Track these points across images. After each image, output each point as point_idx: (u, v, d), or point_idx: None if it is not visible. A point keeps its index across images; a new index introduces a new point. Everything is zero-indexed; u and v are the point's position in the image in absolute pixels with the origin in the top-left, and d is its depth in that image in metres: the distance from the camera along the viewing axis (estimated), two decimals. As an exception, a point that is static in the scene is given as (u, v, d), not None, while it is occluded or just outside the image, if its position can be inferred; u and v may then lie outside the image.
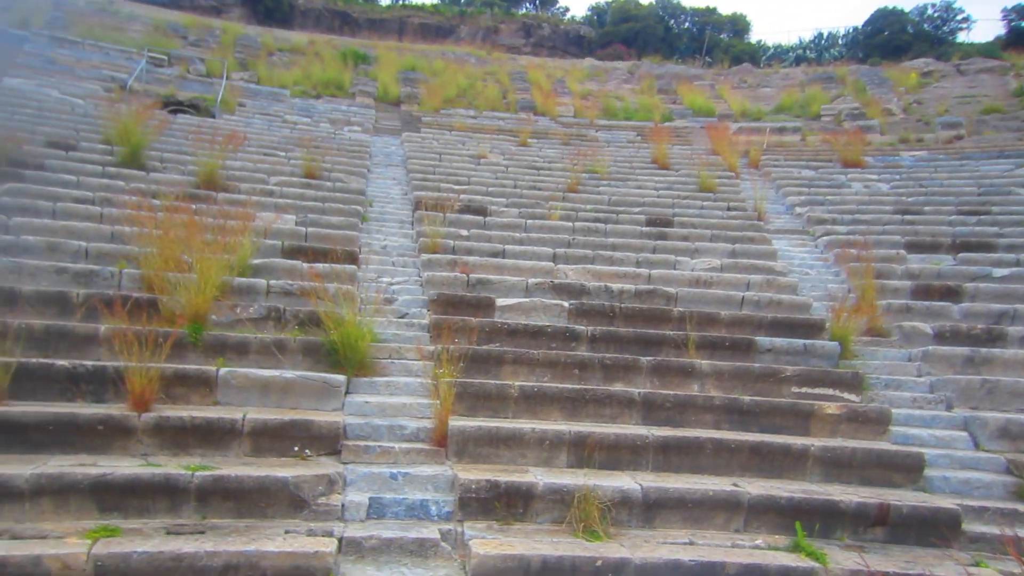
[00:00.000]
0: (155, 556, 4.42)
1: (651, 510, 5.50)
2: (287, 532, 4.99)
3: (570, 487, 5.38)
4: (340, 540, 4.95)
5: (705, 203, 13.37)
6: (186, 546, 4.53)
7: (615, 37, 38.16)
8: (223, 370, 6.27)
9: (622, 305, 8.60)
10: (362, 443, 5.95)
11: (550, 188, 13.32)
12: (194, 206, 8.88)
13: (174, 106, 15.43)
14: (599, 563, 4.75)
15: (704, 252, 10.90)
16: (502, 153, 15.89)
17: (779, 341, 8.06)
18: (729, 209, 13.19)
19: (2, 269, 7.18)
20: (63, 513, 4.86)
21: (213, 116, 15.62)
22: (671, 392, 6.97)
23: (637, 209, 12.53)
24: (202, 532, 4.87)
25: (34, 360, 5.89)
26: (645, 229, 11.68)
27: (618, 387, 7.04)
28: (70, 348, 6.34)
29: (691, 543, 5.29)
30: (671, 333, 7.98)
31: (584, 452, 5.95)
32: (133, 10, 23.50)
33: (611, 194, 13.34)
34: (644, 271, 9.85)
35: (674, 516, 5.54)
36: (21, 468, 4.89)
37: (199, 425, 5.60)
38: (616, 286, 9.16)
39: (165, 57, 18.81)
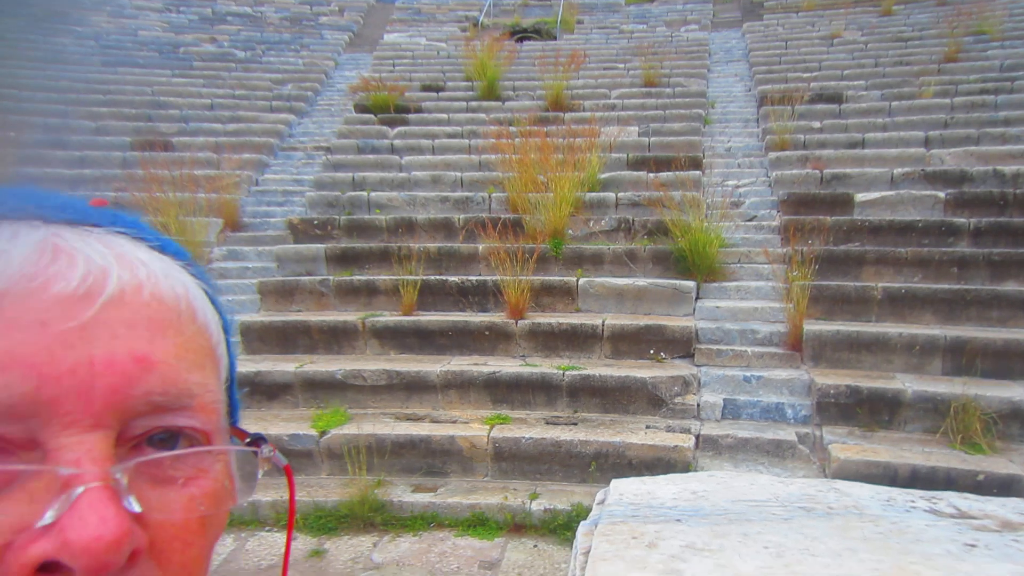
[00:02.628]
0: (539, 441, 5.16)
1: (1053, 425, 4.81)
2: (647, 427, 5.41)
3: (945, 395, 4.93)
4: (697, 437, 5.23)
5: None
6: (563, 435, 5.20)
7: None
8: (582, 280, 6.85)
9: (1017, 191, 7.31)
10: (714, 347, 6.10)
11: (921, 61, 11.55)
12: (545, 128, 9.59)
13: (519, 34, 16.50)
14: (981, 477, 4.34)
15: None
16: (859, 28, 14.12)
17: None
18: None
19: (402, 202, 8.63)
20: (465, 403, 5.89)
21: (555, 38, 16.37)
22: (1084, 290, 5.86)
23: (1039, 70, 10.30)
24: (575, 424, 5.52)
25: (432, 277, 7.07)
26: (1051, 93, 9.60)
27: (1010, 286, 6.12)
28: (458, 266, 7.45)
29: (1109, 465, 4.54)
30: (1086, 219, 6.62)
31: (963, 359, 5.36)
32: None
33: (1004, 57, 11.12)
34: (1048, 146, 8.19)
35: (1085, 433, 4.77)
36: (433, 366, 6.01)
37: (565, 330, 6.26)
38: (1008, 169, 7.77)
39: (509, -13, 20.03)
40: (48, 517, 0.37)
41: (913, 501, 1.90)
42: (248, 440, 0.48)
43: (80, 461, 0.39)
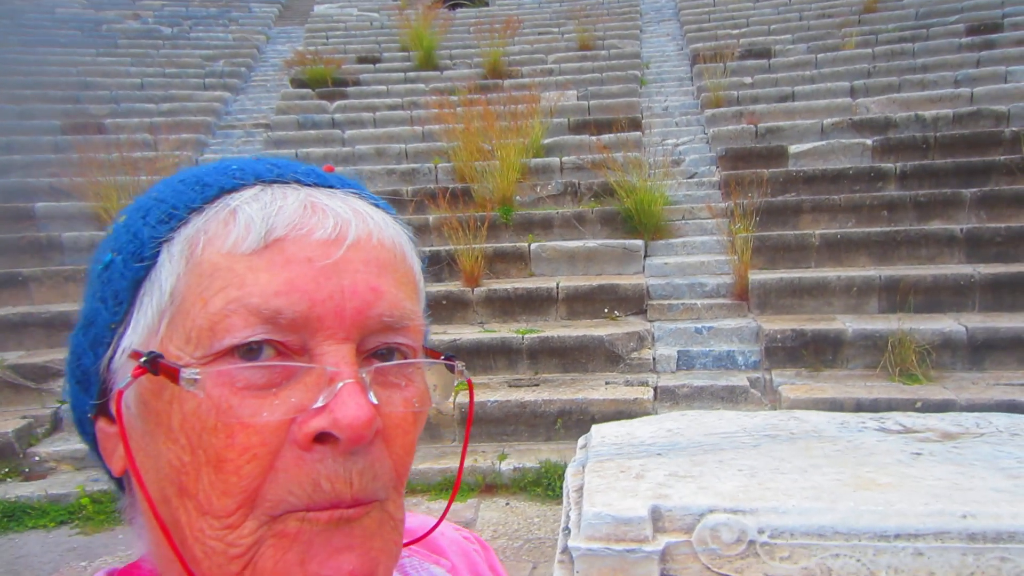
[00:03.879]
0: (504, 404, 5.32)
1: (978, 352, 5.19)
2: (607, 383, 5.62)
3: (883, 331, 5.27)
4: (655, 389, 5.46)
5: (1048, -6, 11.02)
6: (527, 396, 5.37)
7: None
8: (534, 245, 6.99)
9: (937, 134, 7.71)
10: (665, 302, 6.34)
11: (842, 13, 11.93)
12: (486, 96, 9.62)
13: (451, 1, 16.36)
14: (919, 404, 4.69)
15: (1046, 56, 9.15)
16: (783, -18, 14.44)
17: None
18: (1083, -5, 10.74)
19: (347, 176, 8.58)
20: (428, 371, 5.99)
21: (487, 3, 16.26)
22: (1002, 224, 6.27)
23: (953, 17, 10.76)
24: (537, 385, 5.69)
25: (386, 250, 7.10)
26: (964, 40, 10.04)
27: (935, 225, 6.50)
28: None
29: (1029, 385, 4.94)
30: (1002, 159, 7.04)
31: (897, 296, 5.71)
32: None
33: (919, 5, 11.56)
34: (965, 91, 8.61)
35: (1008, 358, 5.17)
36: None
37: (521, 295, 6.40)
38: (929, 113, 8.18)
39: (437, -46, 19.73)
40: (320, 401, 0.49)
41: (864, 422, 2.10)
42: (443, 357, 0.60)
43: (339, 364, 0.51)
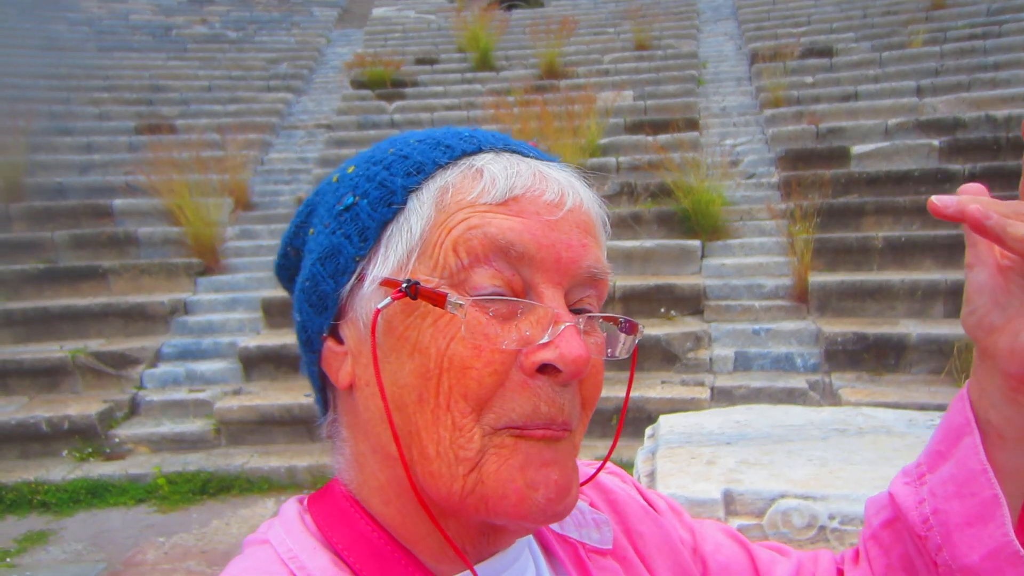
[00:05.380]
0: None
1: (1050, 359, 5.05)
2: (663, 383, 5.65)
3: (948, 336, 5.18)
4: (712, 389, 5.47)
5: None
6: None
7: None
8: (590, 244, 7.04)
9: (1009, 135, 7.50)
10: (723, 302, 6.32)
11: (908, 10, 11.64)
12: (542, 97, 9.70)
13: (507, 2, 16.48)
14: (986, 411, 4.59)
15: None
16: (846, -20, 14.16)
17: None
18: None
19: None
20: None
21: (542, 5, 16.34)
22: (1077, 229, 6.08)
23: (1027, 14, 10.43)
24: (593, 381, 5.74)
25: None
26: (1039, 38, 9.73)
27: (1005, 229, 6.34)
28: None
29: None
30: (1077, 161, 6.81)
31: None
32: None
33: (991, 1, 11.24)
34: (1039, 90, 8.36)
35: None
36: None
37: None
38: (1001, 113, 7.95)
39: (494, -44, 19.89)
40: (546, 338, 0.59)
41: (932, 420, 2.12)
42: (622, 321, 0.69)
43: (558, 307, 0.61)
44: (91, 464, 5.42)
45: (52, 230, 7.63)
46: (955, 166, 7.16)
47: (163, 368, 6.43)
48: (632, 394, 5.33)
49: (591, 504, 0.82)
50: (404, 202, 0.63)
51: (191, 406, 6.05)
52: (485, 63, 12.16)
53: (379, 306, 0.60)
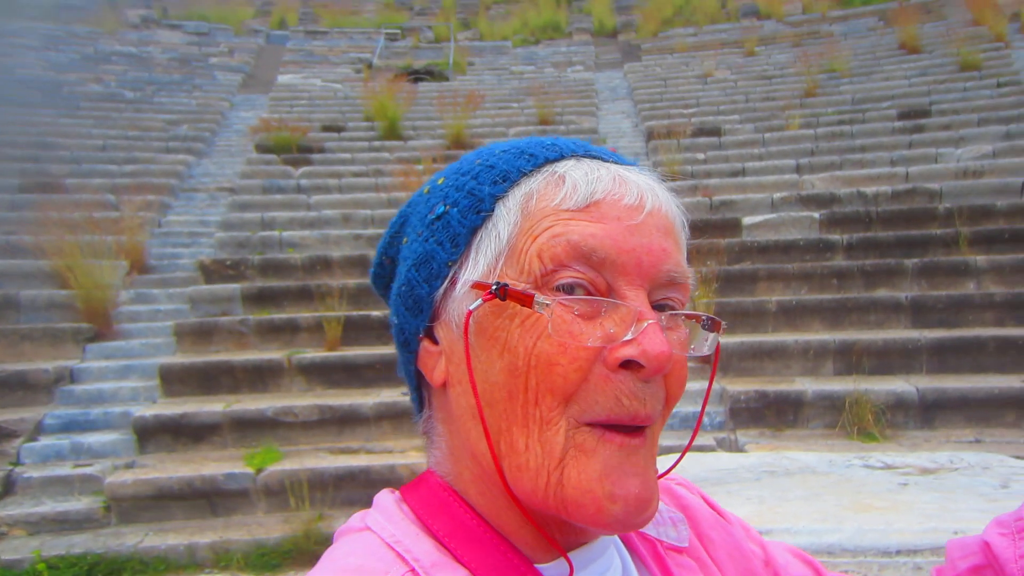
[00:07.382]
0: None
1: (929, 411, 5.47)
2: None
3: (840, 392, 5.52)
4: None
5: (968, 84, 11.99)
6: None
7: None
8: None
9: (878, 209, 8.23)
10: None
11: (785, 96, 12.75)
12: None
13: (413, 75, 16.86)
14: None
15: (971, 140, 9.91)
16: (729, 68, 15.36)
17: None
18: (999, 86, 11.72)
19: (315, 240, 8.67)
20: (398, 433, 6.00)
21: (447, 79, 16.82)
22: (943, 293, 6.68)
23: (886, 103, 11.61)
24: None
25: (355, 313, 7.15)
26: (897, 124, 10.83)
27: (881, 292, 6.89)
28: (378, 301, 7.53)
29: (978, 441, 5.21)
30: (938, 232, 7.54)
31: (851, 359, 6.00)
32: (364, -8, 25.60)
33: (854, 92, 12.45)
34: (900, 170, 9.25)
35: (955, 416, 5.46)
36: (363, 399, 6.09)
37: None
38: (870, 190, 8.74)
39: (398, 31, 20.43)
40: (629, 335, 0.61)
41: (849, 461, 2.26)
42: (705, 319, 0.70)
43: (641, 306, 0.63)
44: (-41, 549, 4.89)
45: (-80, 293, 7.04)
46: (834, 236, 7.77)
47: (44, 441, 5.94)
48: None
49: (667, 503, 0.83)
50: (492, 209, 0.66)
51: (76, 482, 5.60)
52: (393, 132, 12.32)
53: (471, 308, 0.63)
